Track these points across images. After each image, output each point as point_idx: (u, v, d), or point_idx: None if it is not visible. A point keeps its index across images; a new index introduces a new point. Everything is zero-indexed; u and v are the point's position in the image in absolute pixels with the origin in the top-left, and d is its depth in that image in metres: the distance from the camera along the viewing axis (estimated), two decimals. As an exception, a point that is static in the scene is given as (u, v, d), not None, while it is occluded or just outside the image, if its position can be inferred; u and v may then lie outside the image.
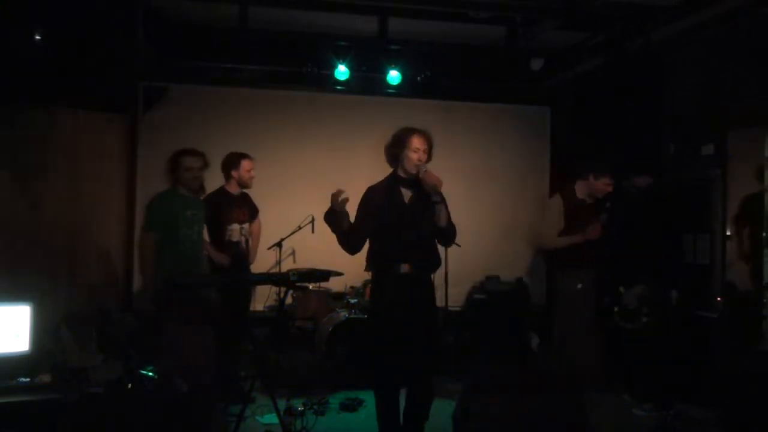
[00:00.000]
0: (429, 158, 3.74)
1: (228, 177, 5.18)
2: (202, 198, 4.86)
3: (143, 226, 4.23)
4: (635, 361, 5.17)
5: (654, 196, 5.24)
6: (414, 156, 3.65)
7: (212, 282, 4.75)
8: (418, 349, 3.66)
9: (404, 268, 3.65)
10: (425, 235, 3.70)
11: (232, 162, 5.16)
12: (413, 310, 3.66)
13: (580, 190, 5.22)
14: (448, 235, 3.81)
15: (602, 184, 5.17)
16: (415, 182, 3.68)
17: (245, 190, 5.27)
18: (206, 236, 5.11)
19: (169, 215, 4.17)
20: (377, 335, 3.76)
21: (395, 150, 3.70)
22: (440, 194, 3.64)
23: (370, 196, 3.76)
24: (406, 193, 3.72)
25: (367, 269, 3.99)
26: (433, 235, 3.76)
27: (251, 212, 5.34)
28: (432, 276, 3.86)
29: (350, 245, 3.75)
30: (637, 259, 5.13)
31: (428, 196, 3.64)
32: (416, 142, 3.67)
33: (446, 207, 3.73)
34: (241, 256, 5.17)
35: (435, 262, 3.84)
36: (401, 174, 3.72)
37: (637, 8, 5.58)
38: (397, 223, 3.65)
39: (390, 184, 3.75)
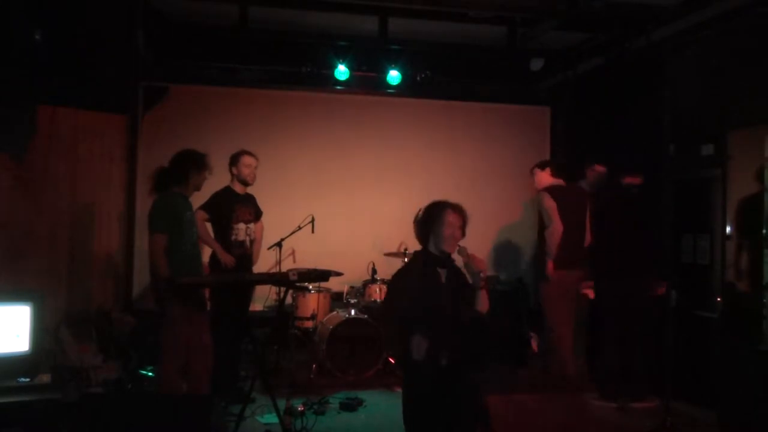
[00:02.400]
0: (463, 234, 3.45)
1: (231, 175, 5.19)
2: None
3: (151, 229, 4.14)
4: (634, 360, 5.18)
5: (650, 195, 5.27)
6: (448, 232, 3.37)
7: (213, 282, 4.74)
8: None
9: (444, 358, 3.20)
10: (467, 320, 3.34)
11: (232, 159, 5.16)
12: (455, 411, 3.24)
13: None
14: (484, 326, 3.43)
15: (594, 172, 5.73)
16: (448, 260, 3.44)
17: (249, 191, 5.27)
18: (212, 234, 5.12)
19: (174, 217, 4.14)
20: None
21: (427, 226, 3.43)
22: (484, 279, 3.36)
23: (404, 282, 3.42)
24: (441, 273, 3.41)
25: (398, 363, 3.61)
26: (475, 320, 3.39)
27: (256, 213, 5.34)
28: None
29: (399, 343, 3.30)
30: (632, 258, 5.16)
31: (464, 278, 3.38)
32: (451, 218, 3.39)
33: (488, 292, 3.42)
34: (245, 256, 5.17)
35: (480, 351, 3.39)
36: (434, 251, 3.43)
37: (637, 8, 5.58)
38: (436, 307, 3.28)
39: (424, 264, 3.42)
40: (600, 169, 5.89)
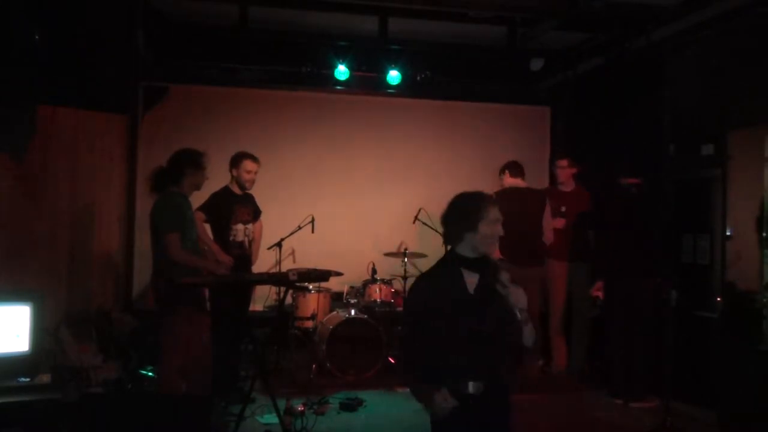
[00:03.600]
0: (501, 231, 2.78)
1: (231, 176, 5.19)
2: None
3: (163, 231, 4.07)
4: (634, 360, 5.18)
5: (650, 195, 5.27)
6: (491, 230, 2.69)
7: (213, 282, 4.73)
8: None
9: (472, 386, 2.58)
10: (498, 337, 2.66)
11: (234, 160, 5.16)
12: None
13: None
14: (524, 341, 2.70)
15: (559, 168, 6.05)
16: (482, 264, 2.70)
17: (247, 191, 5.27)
18: (211, 235, 5.12)
19: (181, 216, 4.14)
20: None
21: (463, 223, 2.70)
22: (526, 312, 2.66)
23: (422, 290, 2.76)
24: (470, 279, 2.69)
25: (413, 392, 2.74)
26: (506, 336, 2.68)
27: (255, 213, 5.34)
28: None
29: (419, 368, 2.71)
30: (632, 258, 5.16)
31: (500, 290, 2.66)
32: (495, 213, 2.70)
33: (523, 295, 2.66)
34: (244, 256, 5.16)
35: (512, 373, 2.80)
36: (465, 253, 2.71)
37: (637, 8, 5.58)
38: (458, 321, 2.62)
39: (449, 266, 2.74)
40: (561, 163, 6.07)
